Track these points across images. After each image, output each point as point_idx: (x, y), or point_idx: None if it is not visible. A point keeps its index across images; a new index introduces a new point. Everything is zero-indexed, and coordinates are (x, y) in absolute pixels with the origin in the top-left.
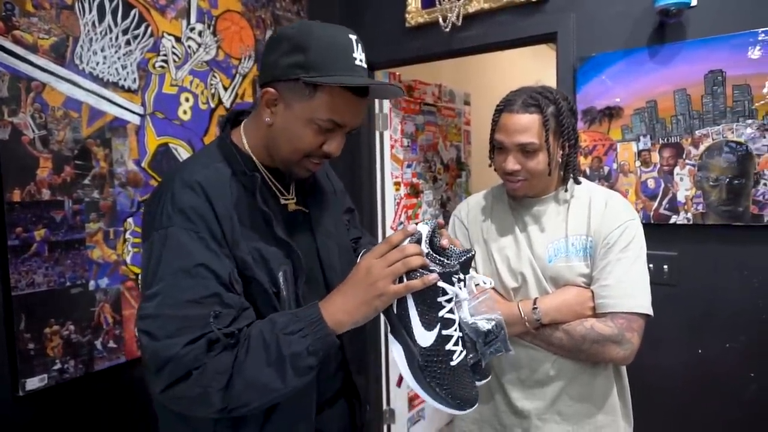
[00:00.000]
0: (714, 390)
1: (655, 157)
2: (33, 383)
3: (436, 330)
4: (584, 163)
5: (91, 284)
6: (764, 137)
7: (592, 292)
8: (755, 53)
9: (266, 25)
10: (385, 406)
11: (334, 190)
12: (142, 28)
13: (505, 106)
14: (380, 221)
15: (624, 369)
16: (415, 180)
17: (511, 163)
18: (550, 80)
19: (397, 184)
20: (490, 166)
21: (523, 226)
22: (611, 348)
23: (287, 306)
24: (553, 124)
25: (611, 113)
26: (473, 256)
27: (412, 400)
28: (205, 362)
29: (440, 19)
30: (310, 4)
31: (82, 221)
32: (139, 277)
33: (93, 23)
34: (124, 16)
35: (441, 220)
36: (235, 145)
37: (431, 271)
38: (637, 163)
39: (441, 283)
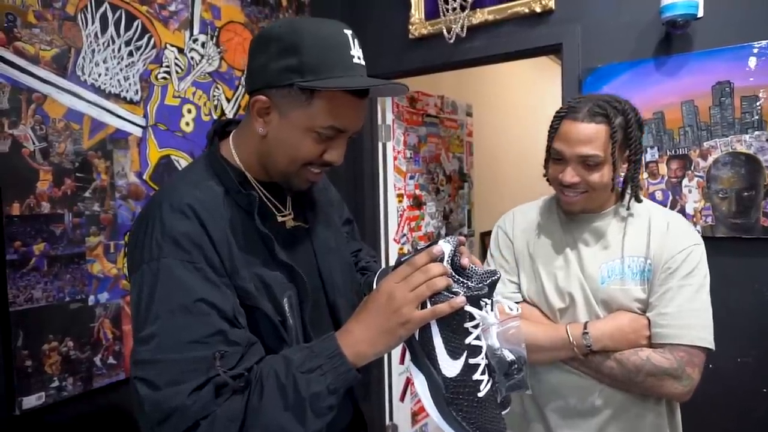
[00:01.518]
0: (726, 407)
1: (663, 168)
2: (30, 401)
3: (463, 358)
4: None
5: (91, 299)
6: None
7: (648, 319)
8: (762, 64)
9: None
10: (387, 422)
11: (331, 202)
12: (145, 40)
13: (568, 112)
14: (383, 233)
15: (678, 405)
16: (417, 191)
17: (570, 175)
18: (552, 92)
19: (399, 195)
20: (544, 176)
21: (573, 242)
22: (668, 382)
23: (294, 335)
24: (620, 137)
25: None
26: (499, 278)
27: (416, 415)
28: (214, 410)
29: (444, 31)
30: (313, 14)
31: (83, 235)
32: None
33: (95, 34)
34: (127, 28)
35: (462, 237)
36: (225, 160)
37: (456, 294)
38: (645, 175)
39: (468, 307)
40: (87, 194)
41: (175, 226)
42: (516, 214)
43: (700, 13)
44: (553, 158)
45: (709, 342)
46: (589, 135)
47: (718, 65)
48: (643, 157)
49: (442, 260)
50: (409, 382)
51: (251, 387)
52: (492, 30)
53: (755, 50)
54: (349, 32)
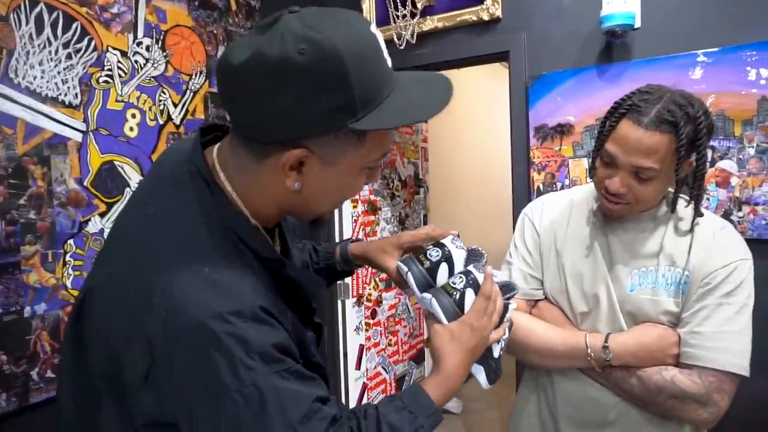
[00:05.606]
0: None
1: None
2: None
3: (507, 335)
4: (538, 179)
5: (27, 310)
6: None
7: (679, 336)
8: (696, 73)
9: (218, 41)
10: None
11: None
12: (85, 42)
13: (631, 111)
14: (337, 238)
15: (705, 430)
16: (372, 197)
17: (617, 185)
18: (505, 97)
19: (354, 201)
20: (591, 177)
21: (606, 242)
22: (692, 407)
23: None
24: (685, 151)
25: (563, 130)
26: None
27: None
28: None
29: (395, 37)
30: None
31: (17, 243)
32: None
33: (30, 35)
34: (65, 29)
35: (455, 231)
36: (231, 205)
37: (506, 299)
38: (588, 180)
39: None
40: (22, 201)
41: (261, 340)
42: (546, 204)
43: (638, 24)
44: (603, 159)
45: (744, 368)
46: (650, 146)
47: (655, 74)
48: (706, 167)
49: (450, 260)
50: (365, 387)
51: None
52: (442, 37)
53: (689, 60)
54: (376, 31)
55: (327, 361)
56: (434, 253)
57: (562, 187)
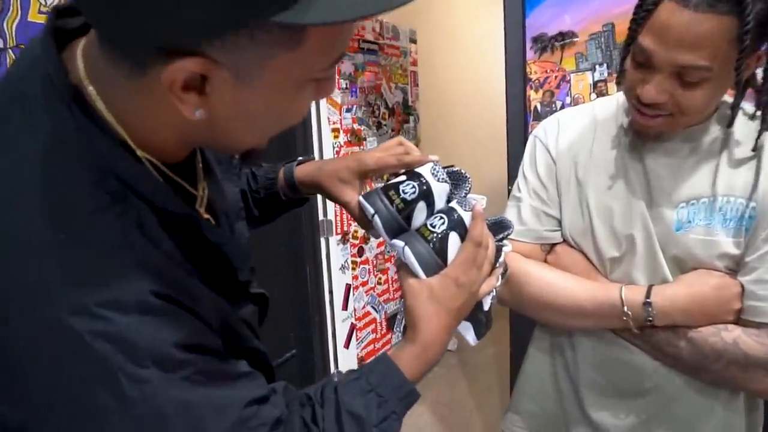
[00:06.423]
0: None
1: (613, 88)
2: None
3: (500, 282)
4: (535, 98)
5: None
6: None
7: (742, 286)
8: None
9: None
10: (333, 369)
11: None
12: None
13: None
14: None
15: (761, 401)
16: (356, 126)
17: (653, 92)
18: (499, 15)
19: (335, 130)
20: (618, 83)
21: (640, 167)
22: (758, 376)
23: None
24: (752, 40)
25: (564, 40)
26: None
27: (362, 360)
28: None
29: None
30: None
31: None
32: None
33: None
34: None
35: (434, 156)
36: (101, 128)
37: (499, 241)
38: (593, 97)
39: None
40: None
41: (156, 339)
42: (562, 122)
43: None
44: (635, 59)
45: None
46: (701, 34)
47: None
48: None
49: (428, 194)
50: (354, 327)
51: None
52: None
53: None
54: None
55: (311, 303)
56: (408, 189)
57: (563, 107)
